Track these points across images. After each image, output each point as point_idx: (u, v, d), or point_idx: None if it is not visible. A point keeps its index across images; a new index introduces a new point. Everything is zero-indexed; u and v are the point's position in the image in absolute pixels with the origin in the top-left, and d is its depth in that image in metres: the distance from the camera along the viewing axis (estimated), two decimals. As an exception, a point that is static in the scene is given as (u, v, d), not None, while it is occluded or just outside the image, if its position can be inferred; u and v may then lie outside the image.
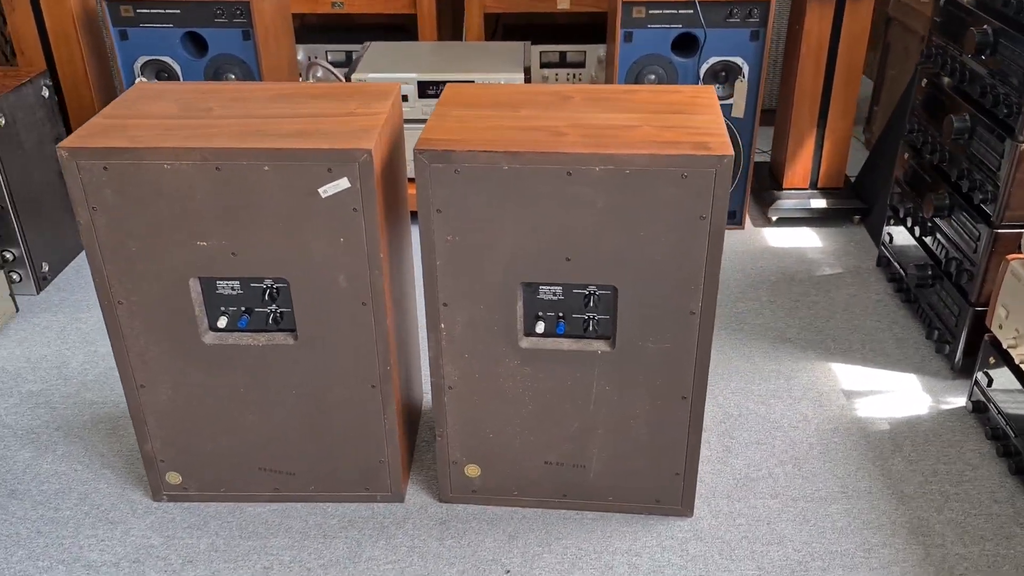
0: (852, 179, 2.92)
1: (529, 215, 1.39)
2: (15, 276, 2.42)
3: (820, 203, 2.77)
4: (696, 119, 1.46)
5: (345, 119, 1.47)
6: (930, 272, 2.15)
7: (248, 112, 1.49)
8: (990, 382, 1.83)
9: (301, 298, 1.49)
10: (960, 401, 1.98)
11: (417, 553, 1.61)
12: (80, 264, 2.62)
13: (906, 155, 2.29)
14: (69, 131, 2.71)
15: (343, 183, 1.38)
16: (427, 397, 2.02)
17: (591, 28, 3.33)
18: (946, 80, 2.12)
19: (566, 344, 1.53)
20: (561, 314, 1.51)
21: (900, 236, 2.34)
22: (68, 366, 2.15)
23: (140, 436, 1.64)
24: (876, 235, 2.64)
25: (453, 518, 1.68)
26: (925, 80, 2.20)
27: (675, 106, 1.51)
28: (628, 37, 2.47)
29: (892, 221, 2.38)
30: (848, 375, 2.08)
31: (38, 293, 2.46)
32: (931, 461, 1.81)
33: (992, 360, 1.83)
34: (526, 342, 1.53)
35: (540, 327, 1.51)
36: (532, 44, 3.00)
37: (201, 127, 1.43)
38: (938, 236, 2.12)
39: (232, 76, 2.59)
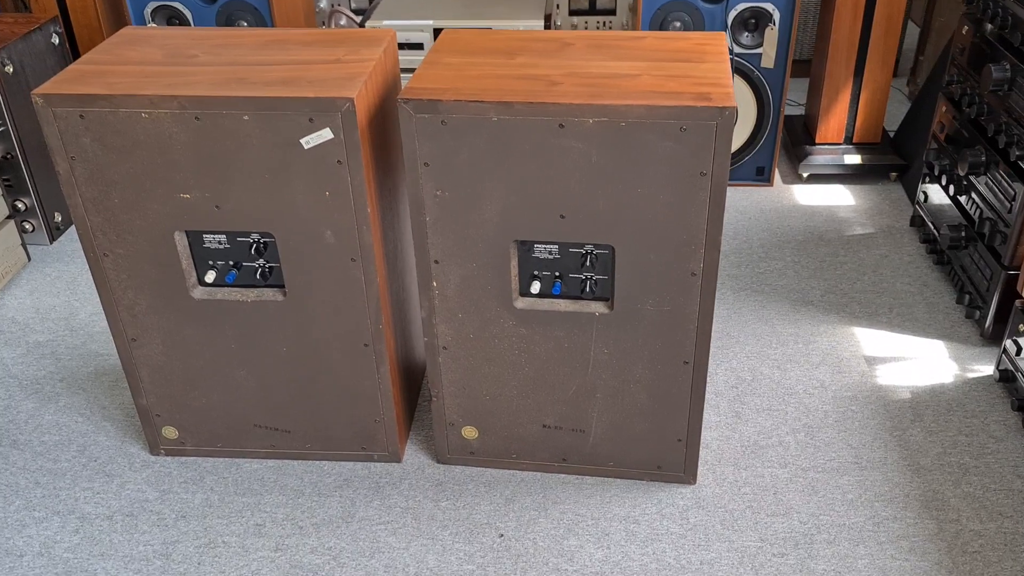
0: (892, 134, 2.77)
1: (520, 169, 1.32)
2: (28, 226, 2.41)
3: (855, 159, 2.64)
4: (700, 68, 1.36)
5: (331, 66, 1.40)
6: (963, 233, 2.03)
7: (233, 59, 1.44)
8: (1019, 350, 1.72)
9: (288, 253, 1.44)
10: (988, 370, 1.88)
11: (411, 514, 1.57)
12: (96, 214, 2.61)
13: (944, 108, 2.16)
14: (84, 79, 2.68)
15: (326, 134, 1.32)
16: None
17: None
18: (988, 27, 1.98)
19: (563, 305, 1.46)
20: (557, 274, 1.45)
21: (935, 194, 2.21)
22: (76, 317, 2.14)
23: (134, 390, 1.63)
24: (913, 193, 2.51)
25: (450, 480, 1.65)
26: (967, 27, 2.06)
27: (681, 54, 1.42)
28: (653, -19, 2.35)
29: (928, 179, 2.26)
30: (871, 340, 1.98)
31: (51, 243, 2.46)
32: (952, 432, 1.72)
33: (1022, 327, 1.72)
34: (521, 302, 1.47)
35: (535, 287, 1.45)
36: (557, -10, 2.89)
37: (182, 74, 1.38)
38: (973, 195, 2.00)
39: (244, 24, 2.53)
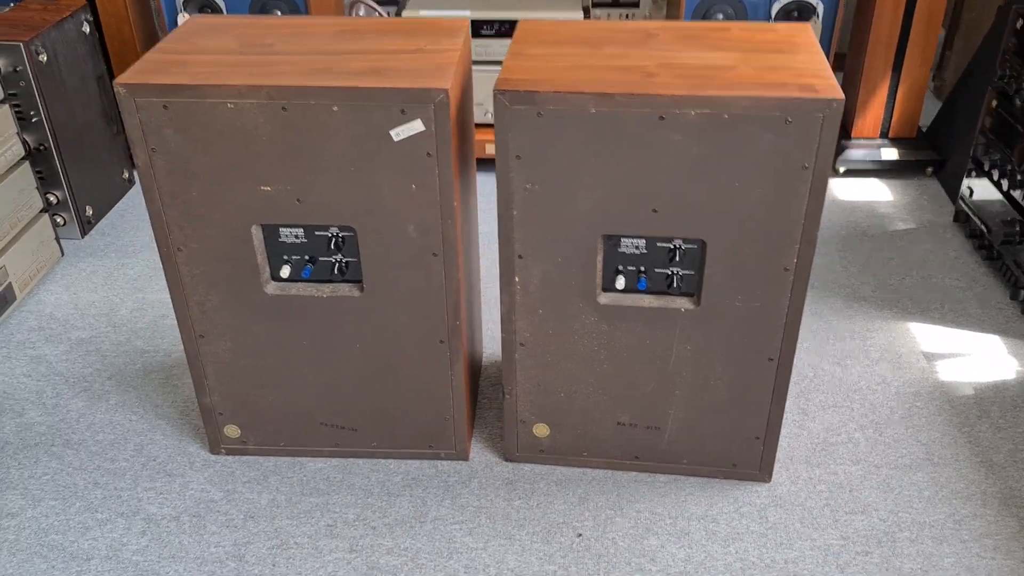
0: (923, 129, 2.77)
1: (616, 163, 1.29)
2: (59, 219, 2.36)
3: (891, 154, 2.63)
4: (797, 59, 1.34)
5: (415, 56, 1.37)
6: (1018, 228, 2.03)
7: (312, 48, 1.40)
8: (1088, 347, 1.72)
9: (368, 248, 1.41)
10: (1049, 365, 1.88)
11: (485, 513, 1.55)
12: (124, 207, 2.56)
13: (994, 103, 2.15)
14: (110, 69, 2.62)
15: (417, 125, 1.29)
16: (487, 352, 1.95)
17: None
18: (1045, 22, 1.97)
19: (647, 300, 1.44)
20: (643, 269, 1.42)
21: (983, 189, 2.21)
22: (117, 313, 2.09)
23: (198, 388, 1.59)
24: (951, 188, 2.51)
25: (520, 478, 1.62)
26: (1022, 21, 2.05)
27: (772, 45, 1.39)
28: (697, -26, 2.33)
29: (974, 174, 2.25)
30: (927, 336, 1.98)
31: (82, 237, 2.41)
32: (1021, 428, 1.71)
33: (1091, 323, 1.72)
34: (604, 298, 1.44)
35: (620, 282, 1.42)
36: (588, -18, 2.86)
37: (265, 64, 1.34)
38: (1029, 190, 1.99)
39: (279, 12, 2.48)
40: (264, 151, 1.32)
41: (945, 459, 1.65)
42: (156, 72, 1.31)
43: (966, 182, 2.30)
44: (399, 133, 1.30)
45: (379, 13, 3.00)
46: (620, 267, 1.43)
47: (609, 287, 1.44)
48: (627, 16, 3.04)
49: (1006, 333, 1.98)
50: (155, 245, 2.33)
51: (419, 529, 1.52)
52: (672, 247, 1.39)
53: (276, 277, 1.47)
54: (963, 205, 2.32)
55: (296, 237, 1.44)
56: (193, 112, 1.29)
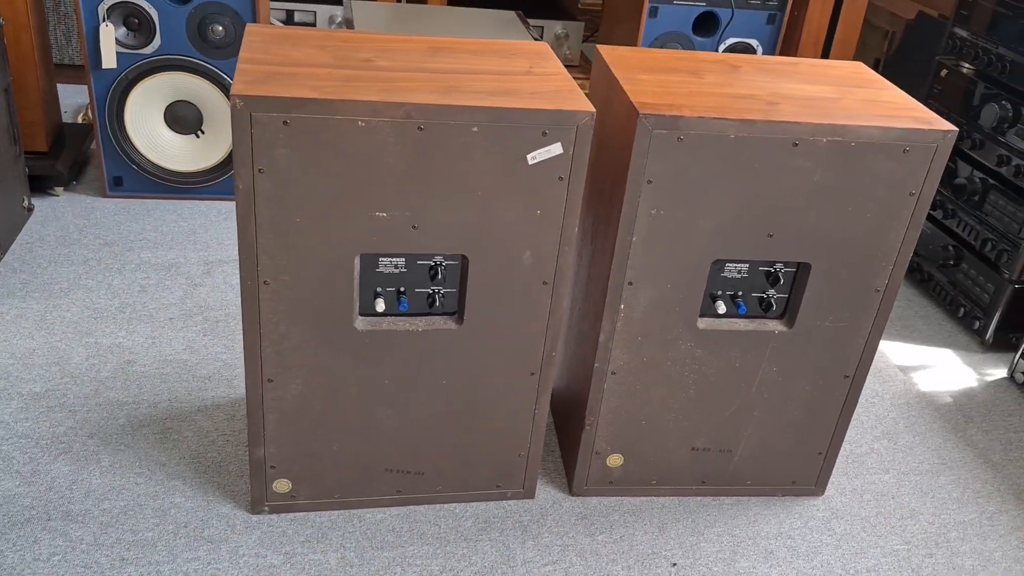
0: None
1: (744, 187, 1.31)
2: (-36, 255, 2.01)
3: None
4: (885, 94, 1.43)
5: (531, 78, 1.32)
6: (953, 252, 2.27)
7: (418, 66, 1.31)
8: (1049, 354, 1.95)
9: (478, 276, 1.33)
10: (999, 373, 2.11)
11: (573, 551, 1.49)
12: (28, 239, 2.22)
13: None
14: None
15: (555, 149, 1.24)
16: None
17: (537, 4, 3.23)
18: (966, 68, 2.24)
19: (742, 324, 1.46)
20: (740, 293, 1.45)
21: (909, 218, 2.45)
22: (69, 362, 1.81)
23: (253, 439, 1.41)
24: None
25: (592, 512, 1.58)
26: (945, 70, 2.31)
27: (852, 80, 1.48)
28: (654, 12, 2.42)
29: (899, 204, 2.49)
30: (894, 351, 2.15)
31: (-12, 275, 2.07)
32: (1002, 430, 1.91)
33: (1050, 334, 1.95)
34: (703, 323, 1.45)
35: (721, 307, 1.44)
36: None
37: (387, 80, 1.23)
38: (963, 217, 2.24)
39: (220, 28, 2.28)
40: (388, 174, 1.21)
41: (955, 462, 1.80)
42: (272, 84, 1.16)
43: (889, 211, 2.54)
44: (535, 156, 1.24)
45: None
46: (719, 291, 1.44)
47: (707, 312, 1.45)
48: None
49: (955, 347, 2.21)
50: (84, 282, 2.06)
51: (511, 574, 1.43)
52: (772, 270, 1.43)
53: (368, 311, 1.34)
54: (886, 232, 2.56)
55: (396, 267, 1.32)
56: (317, 130, 1.16)
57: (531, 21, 3.02)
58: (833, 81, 1.46)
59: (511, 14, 2.76)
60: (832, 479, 1.71)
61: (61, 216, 2.35)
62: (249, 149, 1.16)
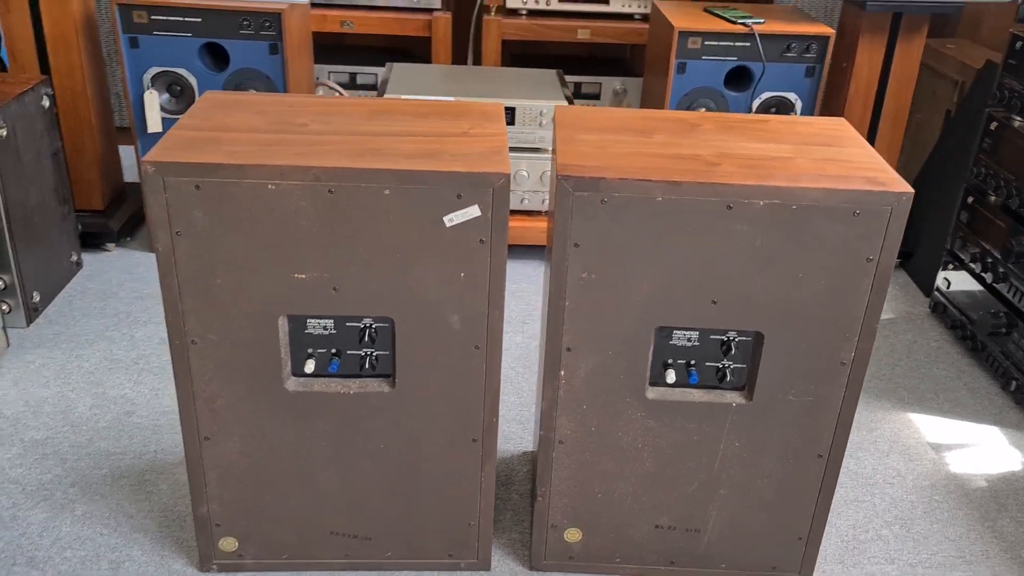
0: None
1: (678, 252, 1.25)
2: (4, 306, 2.15)
3: (859, 245, 2.69)
4: (848, 152, 1.34)
5: (463, 139, 1.30)
6: (1004, 319, 2.08)
7: (350, 129, 1.32)
8: (1098, 437, 1.74)
9: (406, 340, 1.31)
10: (1050, 455, 1.89)
11: (518, 631, 1.42)
12: (72, 293, 2.36)
13: (970, 199, 2.23)
14: (64, 147, 2.46)
15: (472, 211, 1.22)
16: (502, 451, 1.84)
17: (601, 61, 3.23)
18: (1018, 121, 2.07)
19: (697, 395, 1.38)
20: (693, 362, 1.36)
21: (961, 281, 2.27)
22: (74, 411, 1.90)
23: (196, 496, 1.42)
24: (922, 280, 2.57)
25: (548, 588, 1.50)
26: (995, 123, 2.14)
27: (818, 138, 1.39)
28: (681, 68, 2.37)
29: (951, 266, 2.31)
30: (930, 426, 1.97)
31: (27, 325, 2.20)
32: (1040, 521, 1.71)
33: (1099, 414, 1.74)
34: (652, 392, 1.37)
35: (671, 376, 1.36)
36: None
37: (305, 144, 1.25)
38: (1014, 281, 2.05)
39: (254, 91, 2.38)
40: (303, 236, 1.22)
41: (976, 556, 1.62)
42: (187, 150, 1.20)
43: (942, 274, 2.35)
44: (452, 219, 1.22)
45: (339, 94, 2.94)
46: (670, 360, 1.36)
47: (658, 381, 1.37)
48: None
49: (1003, 424, 2.00)
50: (109, 334, 2.16)
51: (448, 651, 1.38)
52: (726, 339, 1.34)
53: (299, 372, 1.35)
54: (940, 296, 2.37)
55: (325, 329, 1.32)
56: (229, 193, 1.18)
57: (591, 78, 3.03)
58: (796, 140, 1.38)
59: (552, 73, 2.77)
60: (824, 566, 1.57)
61: (107, 271, 2.48)
62: (165, 212, 1.19)
